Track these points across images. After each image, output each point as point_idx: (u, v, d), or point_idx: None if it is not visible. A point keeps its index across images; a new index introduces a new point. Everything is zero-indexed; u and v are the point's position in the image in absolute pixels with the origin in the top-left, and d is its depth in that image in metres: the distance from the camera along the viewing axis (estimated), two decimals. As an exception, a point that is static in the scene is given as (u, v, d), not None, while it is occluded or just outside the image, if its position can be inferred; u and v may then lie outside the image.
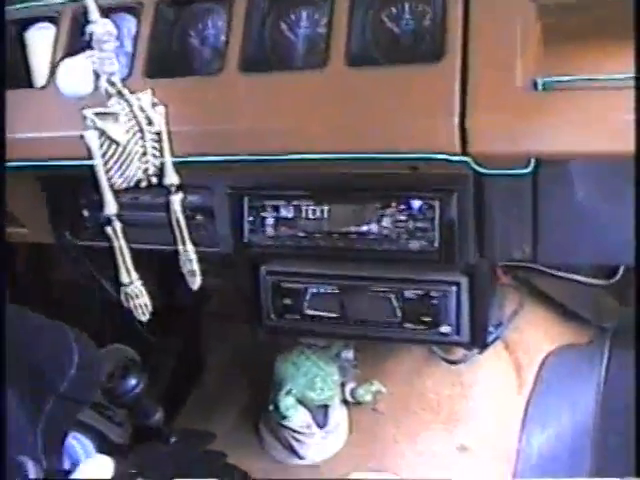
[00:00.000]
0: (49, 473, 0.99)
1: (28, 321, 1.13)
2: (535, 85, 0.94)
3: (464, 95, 0.96)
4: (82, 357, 1.15)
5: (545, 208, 1.08)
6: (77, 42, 1.14)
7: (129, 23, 1.17)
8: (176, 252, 1.01)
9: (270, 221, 1.18)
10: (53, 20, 1.20)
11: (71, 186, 1.31)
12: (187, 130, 1.05)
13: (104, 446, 1.52)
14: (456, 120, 0.95)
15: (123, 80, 0.92)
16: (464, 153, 0.97)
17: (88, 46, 0.87)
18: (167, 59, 1.16)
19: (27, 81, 1.23)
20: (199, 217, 1.24)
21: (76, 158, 0.98)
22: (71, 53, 1.09)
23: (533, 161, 1.01)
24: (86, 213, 1.33)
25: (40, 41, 1.21)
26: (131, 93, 0.90)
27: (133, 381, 1.24)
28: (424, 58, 1.00)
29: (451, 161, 0.98)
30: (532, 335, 1.69)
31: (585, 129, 0.92)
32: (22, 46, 1.23)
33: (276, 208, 1.18)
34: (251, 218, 1.19)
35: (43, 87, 1.17)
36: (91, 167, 0.88)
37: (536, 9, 0.96)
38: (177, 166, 0.96)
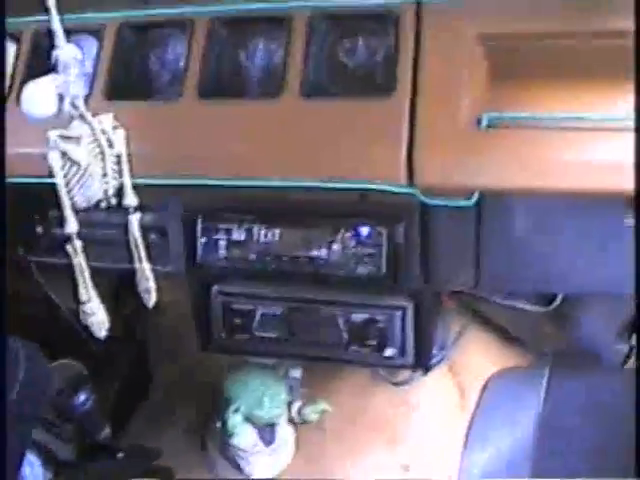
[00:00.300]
0: None
1: None
2: (480, 121, 0.97)
3: (412, 129, 0.99)
4: (29, 374, 1.14)
5: (487, 238, 1.11)
6: (38, 61, 1.15)
7: (90, 44, 1.17)
8: (132, 270, 1.02)
9: (222, 243, 1.20)
10: (14, 37, 1.20)
11: (25, 202, 1.30)
12: (146, 152, 1.06)
13: (50, 462, 1.51)
14: (403, 153, 0.98)
15: (84, 100, 0.93)
16: (410, 184, 1.00)
17: (52, 68, 0.89)
18: (127, 81, 1.17)
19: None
20: (153, 236, 1.24)
21: (35, 175, 1.00)
22: (33, 72, 1.11)
23: (477, 193, 1.04)
24: (40, 229, 1.32)
25: (1, 57, 1.21)
26: (93, 115, 0.91)
27: (83, 396, 1.25)
28: (376, 91, 1.03)
29: (398, 192, 1.01)
30: (475, 358, 1.73)
31: (526, 166, 0.96)
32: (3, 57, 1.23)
33: (228, 231, 1.19)
34: (204, 239, 1.20)
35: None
36: (52, 186, 0.90)
37: (484, 49, 1.00)
38: (135, 187, 0.98)
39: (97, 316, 0.96)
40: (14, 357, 1.16)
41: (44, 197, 0.93)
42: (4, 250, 1.22)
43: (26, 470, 1.42)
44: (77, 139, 0.86)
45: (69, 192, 0.88)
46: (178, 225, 1.23)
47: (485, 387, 1.69)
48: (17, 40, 1.20)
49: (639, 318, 1.42)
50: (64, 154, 0.86)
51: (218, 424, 1.54)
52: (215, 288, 1.33)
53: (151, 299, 1.03)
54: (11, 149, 1.14)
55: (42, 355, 1.23)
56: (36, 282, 1.61)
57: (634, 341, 1.54)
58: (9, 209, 1.33)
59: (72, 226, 0.91)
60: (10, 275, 1.76)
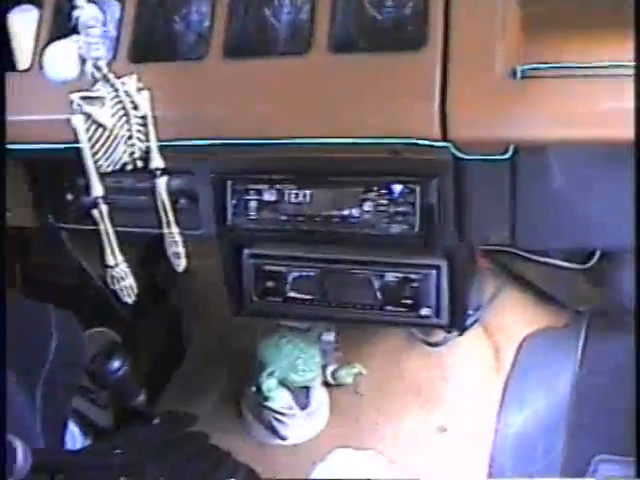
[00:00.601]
0: (50, 452, 1.01)
1: (13, 302, 1.14)
2: (514, 73, 0.95)
3: (445, 82, 0.97)
4: (61, 342, 1.15)
5: (523, 194, 1.09)
6: (61, 26, 1.13)
7: (113, 7, 1.16)
8: (161, 235, 1.02)
9: (253, 205, 1.19)
10: (36, 3, 1.19)
11: (54, 170, 1.31)
12: (171, 114, 1.05)
13: (88, 429, 1.53)
14: (436, 106, 0.96)
15: (108, 64, 0.92)
16: (444, 139, 0.98)
17: (73, 30, 0.87)
18: (151, 44, 1.15)
19: (10, 64, 1.22)
20: (182, 200, 1.24)
21: (60, 142, 0.99)
22: (55, 37, 1.10)
23: (512, 147, 1.02)
24: (70, 196, 1.32)
25: (23, 24, 1.20)
26: (116, 78, 0.90)
27: (116, 363, 1.25)
28: (406, 45, 1.01)
29: (431, 146, 0.99)
30: (510, 318, 1.72)
31: (562, 116, 0.93)
32: (4, 29, 1.23)
33: (259, 192, 1.18)
34: (234, 202, 1.20)
35: (26, 70, 1.17)
36: (77, 150, 0.89)
37: (516, -1, 0.97)
38: (162, 150, 0.97)
39: (125, 281, 0.96)
40: (47, 325, 1.17)
41: (73, 163, 0.92)
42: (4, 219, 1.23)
43: (66, 436, 1.44)
44: (101, 101, 0.86)
45: (94, 155, 0.87)
46: (208, 188, 1.22)
47: (520, 348, 1.68)
48: (39, 5, 1.19)
49: None
50: (88, 117, 0.85)
51: (253, 388, 1.55)
52: (246, 251, 1.33)
53: (181, 264, 1.02)
54: (37, 115, 1.14)
55: (75, 323, 1.24)
56: (68, 251, 1.63)
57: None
58: (38, 177, 1.35)
59: (98, 190, 0.90)
60: (42, 244, 1.79)
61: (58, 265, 1.78)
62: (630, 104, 0.90)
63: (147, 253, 1.64)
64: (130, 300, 0.98)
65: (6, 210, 1.28)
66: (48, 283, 1.85)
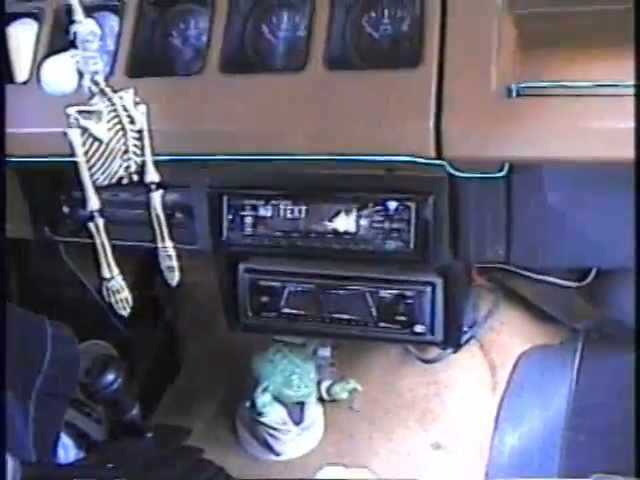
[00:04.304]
0: (41, 465, 1.01)
1: (9, 313, 1.14)
2: (510, 91, 0.95)
3: (440, 100, 0.97)
4: (56, 354, 1.15)
5: (518, 211, 1.09)
6: (59, 40, 1.13)
7: (112, 22, 1.17)
8: (155, 249, 1.02)
9: (249, 220, 1.19)
10: (35, 16, 1.19)
11: (51, 182, 1.31)
12: (168, 129, 1.05)
13: (82, 442, 1.52)
14: (432, 124, 0.96)
15: (105, 78, 0.93)
16: (439, 157, 0.98)
17: (71, 44, 0.88)
18: (149, 58, 1.16)
19: (8, 76, 1.22)
20: (178, 215, 1.24)
21: (57, 155, 0.99)
22: (53, 51, 1.10)
23: (507, 165, 1.03)
24: (66, 209, 1.33)
25: (22, 37, 1.20)
26: (114, 92, 0.91)
27: (111, 377, 1.25)
28: (402, 63, 1.01)
29: (427, 164, 0.99)
30: (506, 335, 1.72)
31: (558, 135, 0.93)
32: (3, 41, 1.23)
33: (255, 207, 1.18)
34: (230, 217, 1.20)
35: (24, 82, 1.17)
36: (73, 164, 0.89)
37: (513, 17, 0.98)
38: (158, 164, 0.97)
39: (121, 294, 0.96)
40: (42, 337, 1.16)
41: (69, 176, 0.93)
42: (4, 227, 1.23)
43: (59, 450, 1.43)
44: (98, 115, 0.86)
45: (90, 169, 0.88)
46: (203, 203, 1.22)
47: (516, 365, 1.67)
48: (38, 19, 1.19)
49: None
50: (85, 131, 0.86)
51: (247, 404, 1.54)
52: (242, 266, 1.33)
53: (175, 277, 1.03)
54: (34, 128, 1.14)
55: (70, 335, 1.24)
56: (64, 263, 1.63)
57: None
58: (35, 190, 1.35)
59: (94, 203, 0.91)
60: (38, 257, 1.79)
61: (54, 278, 1.77)
62: (627, 123, 0.89)
63: (145, 267, 1.64)
64: (125, 313, 0.98)
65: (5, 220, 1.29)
66: (44, 295, 1.84)
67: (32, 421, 1.08)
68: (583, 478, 1.27)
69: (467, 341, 1.55)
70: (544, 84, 0.95)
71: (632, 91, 0.90)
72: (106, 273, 0.96)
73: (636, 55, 0.91)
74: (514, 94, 0.95)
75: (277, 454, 1.57)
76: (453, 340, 1.33)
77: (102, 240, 0.95)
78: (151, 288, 1.75)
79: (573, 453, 1.45)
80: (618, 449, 1.27)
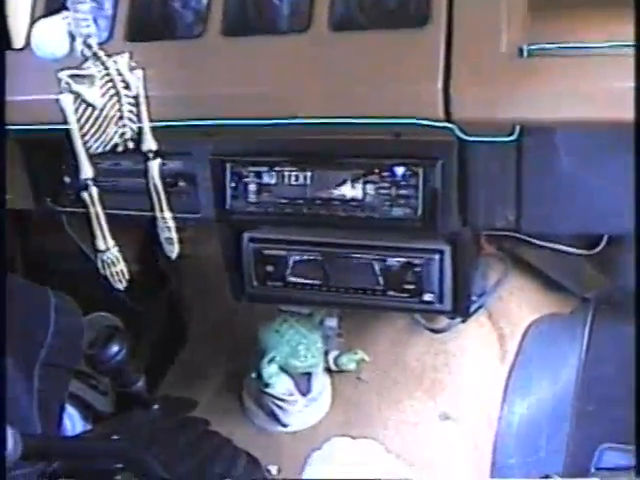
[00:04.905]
0: (44, 437, 1.00)
1: (13, 285, 1.13)
2: (520, 52, 0.93)
3: (448, 61, 0.95)
4: (60, 325, 1.15)
5: (529, 177, 1.07)
6: (55, 3, 1.12)
7: (109, -15, 1.15)
8: (154, 220, 1.00)
9: (252, 187, 1.17)
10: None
11: (51, 151, 1.30)
12: (168, 94, 1.04)
13: (88, 414, 1.52)
14: (440, 86, 0.95)
15: (103, 43, 0.91)
16: (448, 120, 0.96)
17: (64, 7, 0.85)
18: (148, 23, 1.14)
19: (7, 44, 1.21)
20: (181, 183, 1.22)
21: (52, 122, 0.97)
22: (49, 14, 1.08)
23: (518, 129, 1.01)
24: (67, 179, 1.31)
25: (20, 2, 1.18)
26: (107, 56, 0.88)
27: (115, 348, 1.23)
28: (409, 23, 0.99)
29: (434, 127, 0.97)
30: (515, 304, 1.70)
31: (570, 96, 0.92)
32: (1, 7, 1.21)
33: (258, 174, 1.17)
34: (233, 184, 1.18)
35: (21, 49, 1.15)
36: (67, 131, 0.87)
37: (522, -24, 0.95)
38: (158, 131, 0.95)
39: (116, 266, 0.94)
40: (46, 308, 1.16)
41: (69, 145, 0.91)
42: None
43: (66, 422, 1.43)
44: (90, 79, 0.84)
45: (83, 136, 0.85)
46: (206, 170, 1.20)
47: (525, 334, 1.67)
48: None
49: None
50: (77, 96, 0.83)
51: (253, 375, 1.54)
52: (246, 235, 1.31)
53: (174, 250, 1.01)
54: (31, 95, 1.12)
55: (74, 306, 1.23)
56: (67, 234, 1.62)
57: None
58: (35, 160, 1.33)
59: (87, 172, 0.89)
60: (42, 228, 1.78)
61: (57, 249, 1.77)
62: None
63: (148, 238, 1.63)
64: (121, 286, 0.96)
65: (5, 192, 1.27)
66: (48, 267, 1.84)
67: (36, 393, 1.08)
68: (592, 447, 1.27)
69: (476, 310, 1.53)
70: (556, 45, 0.93)
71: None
72: (101, 245, 0.94)
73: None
74: (525, 55, 0.93)
75: (284, 425, 1.56)
76: (462, 309, 1.31)
77: (96, 210, 0.93)
78: (155, 260, 1.74)
79: (582, 423, 1.46)
80: (627, 419, 1.27)
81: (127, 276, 0.96)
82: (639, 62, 0.87)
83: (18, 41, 1.18)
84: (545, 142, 1.04)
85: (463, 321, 1.52)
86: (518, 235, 1.44)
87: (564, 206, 1.10)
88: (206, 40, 1.06)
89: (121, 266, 0.95)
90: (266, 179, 1.16)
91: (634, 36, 0.89)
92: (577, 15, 0.95)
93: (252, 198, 1.18)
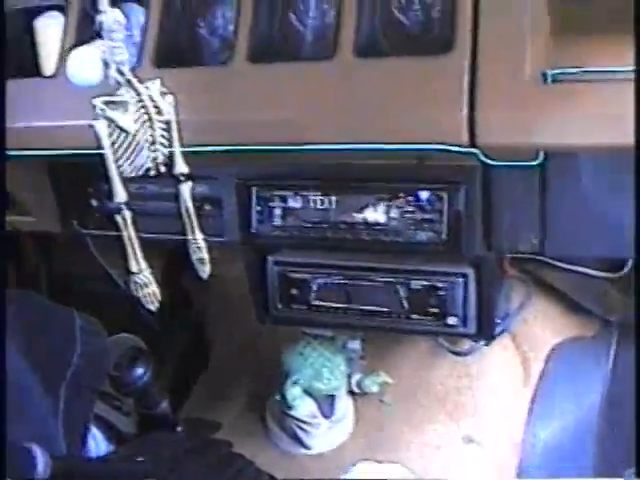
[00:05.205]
0: (70, 458, 1.01)
1: (39, 306, 1.15)
2: (544, 77, 0.93)
3: (473, 87, 0.95)
4: (86, 346, 1.16)
5: (553, 200, 1.07)
6: (86, 31, 1.13)
7: (138, 13, 1.16)
8: (184, 241, 1.01)
9: (278, 211, 1.18)
10: (62, 9, 1.19)
11: (79, 175, 1.31)
12: (196, 120, 1.04)
13: (112, 435, 1.52)
14: (464, 112, 0.94)
15: (132, 70, 0.92)
16: (472, 145, 0.96)
17: (97, 35, 0.87)
18: (176, 49, 1.15)
19: (36, 70, 1.22)
20: (207, 207, 1.23)
21: (85, 147, 0.99)
22: (80, 42, 1.10)
23: (542, 153, 1.01)
24: (94, 202, 1.32)
25: (49, 30, 1.20)
26: (140, 82, 0.90)
27: (140, 370, 1.25)
28: (433, 50, 0.99)
29: (459, 152, 0.97)
30: (539, 328, 1.69)
31: (594, 122, 0.91)
32: (31, 35, 1.23)
33: (284, 198, 1.18)
34: (259, 208, 1.19)
35: (52, 76, 1.17)
36: (100, 156, 0.89)
37: (546, 1, 0.95)
38: (186, 155, 0.96)
39: (149, 287, 0.96)
40: (72, 329, 1.17)
41: (98, 169, 0.92)
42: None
43: (90, 443, 1.44)
44: (124, 106, 0.85)
45: (117, 161, 0.87)
46: (231, 194, 1.22)
47: (549, 358, 1.65)
48: (64, 12, 1.19)
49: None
50: (111, 122, 0.85)
51: (277, 397, 1.54)
52: (271, 258, 1.32)
53: (206, 270, 1.02)
54: (62, 121, 1.14)
55: (99, 328, 1.24)
56: (93, 257, 1.63)
57: None
58: (63, 183, 1.35)
59: (121, 196, 0.91)
60: (67, 250, 1.80)
61: (83, 271, 1.78)
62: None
63: (173, 260, 1.64)
64: (153, 307, 0.98)
65: (6, 213, 1.29)
66: (73, 289, 1.85)
67: (62, 413, 1.08)
68: (618, 471, 1.25)
69: (499, 333, 1.53)
70: (580, 70, 0.92)
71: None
72: (134, 267, 0.95)
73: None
74: (549, 80, 0.92)
75: (307, 448, 1.56)
76: (486, 332, 1.31)
77: (130, 233, 0.94)
78: (180, 282, 1.75)
79: (607, 447, 1.44)
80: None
81: (159, 297, 0.97)
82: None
83: (49, 68, 1.20)
84: (569, 166, 1.04)
85: (487, 344, 1.52)
86: (541, 258, 1.44)
87: (588, 230, 1.10)
88: (233, 66, 1.06)
89: (153, 287, 0.96)
90: (291, 203, 1.17)
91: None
92: (602, 39, 0.94)
93: (277, 222, 1.19)
